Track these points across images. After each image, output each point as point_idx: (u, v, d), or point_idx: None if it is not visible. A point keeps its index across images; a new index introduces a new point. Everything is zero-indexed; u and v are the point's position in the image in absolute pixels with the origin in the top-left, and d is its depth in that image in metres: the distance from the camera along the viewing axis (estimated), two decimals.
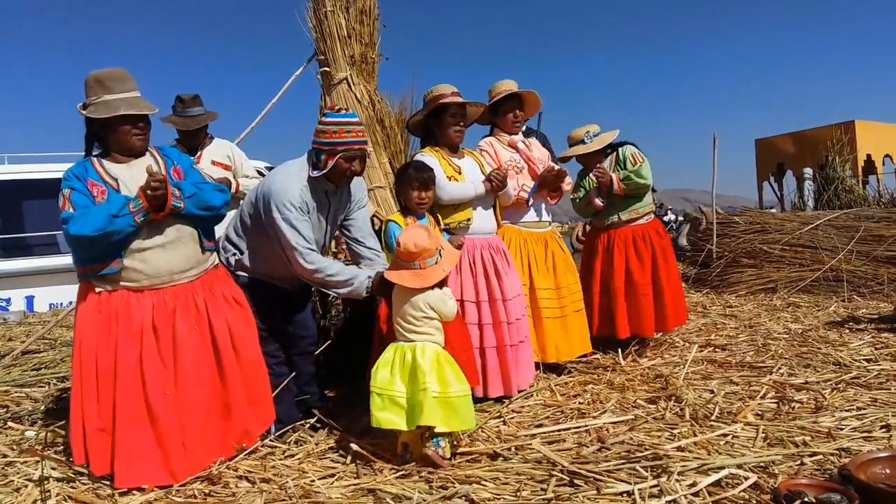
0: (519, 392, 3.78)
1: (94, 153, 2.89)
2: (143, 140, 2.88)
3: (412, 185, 3.43)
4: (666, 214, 21.20)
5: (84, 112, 2.79)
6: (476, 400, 3.57)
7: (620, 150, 4.78)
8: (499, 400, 3.70)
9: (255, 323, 3.08)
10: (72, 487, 2.68)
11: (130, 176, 2.80)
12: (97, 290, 2.76)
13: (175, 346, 2.78)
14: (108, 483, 2.70)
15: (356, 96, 5.26)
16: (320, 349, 3.68)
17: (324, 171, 3.06)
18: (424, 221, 3.47)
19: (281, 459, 2.95)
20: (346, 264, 3.63)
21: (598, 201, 4.67)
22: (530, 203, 4.22)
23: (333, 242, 4.27)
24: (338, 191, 3.24)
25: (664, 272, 4.72)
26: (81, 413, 2.72)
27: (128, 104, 2.77)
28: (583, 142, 4.72)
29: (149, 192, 2.67)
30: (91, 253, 2.71)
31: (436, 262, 2.90)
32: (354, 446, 2.96)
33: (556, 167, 4.26)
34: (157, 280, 2.79)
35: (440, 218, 3.67)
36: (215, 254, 3.07)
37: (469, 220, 3.79)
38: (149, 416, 2.69)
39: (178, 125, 4.61)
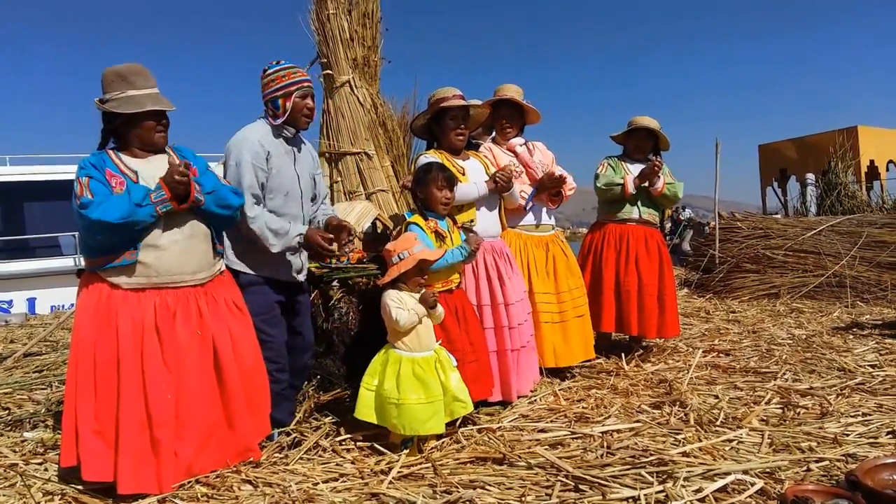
0: (519, 397, 3.76)
1: (109, 146, 2.84)
2: (165, 136, 2.88)
3: (437, 184, 3.37)
4: (684, 211, 21.07)
5: (105, 107, 2.74)
6: (478, 404, 3.56)
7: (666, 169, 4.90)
8: (503, 404, 3.68)
9: (255, 329, 3.04)
10: (74, 489, 2.67)
11: (148, 171, 2.77)
12: (106, 280, 2.70)
13: (177, 352, 2.73)
14: (98, 490, 2.64)
15: (358, 99, 5.26)
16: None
17: (286, 115, 3.18)
18: (444, 224, 3.44)
19: (284, 463, 2.93)
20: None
21: (631, 188, 4.67)
22: (528, 207, 4.21)
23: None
24: (297, 140, 3.33)
25: (668, 280, 4.78)
26: (75, 414, 2.65)
27: (153, 100, 2.76)
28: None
29: (175, 178, 2.65)
30: (108, 242, 2.66)
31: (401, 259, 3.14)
32: (357, 451, 2.94)
33: (557, 172, 4.24)
34: (167, 278, 2.74)
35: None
36: (223, 260, 3.03)
37: (472, 221, 3.76)
38: (147, 420, 2.64)
39: None
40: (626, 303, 4.66)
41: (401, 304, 3.06)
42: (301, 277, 3.34)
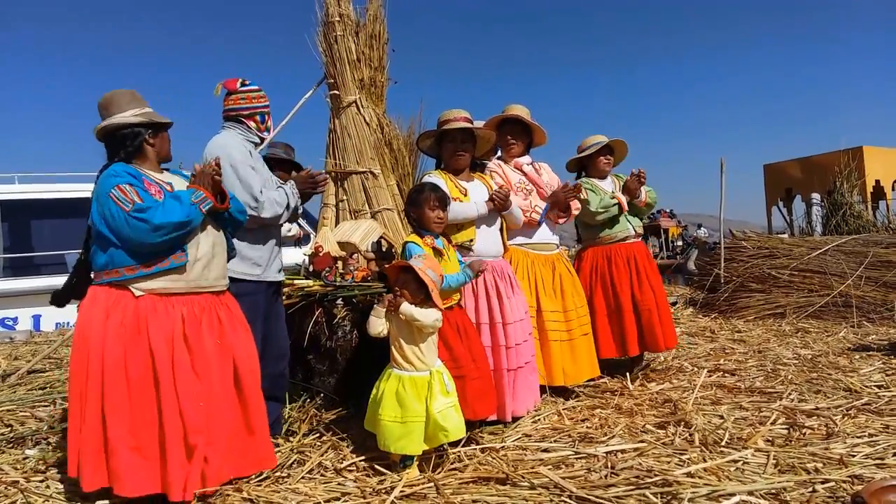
0: (514, 419, 3.71)
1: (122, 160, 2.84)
2: None
3: (430, 204, 3.38)
4: (699, 230, 21.35)
5: (137, 119, 2.82)
6: (481, 423, 3.54)
7: (623, 176, 4.97)
8: (506, 423, 3.66)
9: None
10: None
11: (177, 183, 2.89)
12: (128, 289, 2.69)
13: (205, 360, 2.74)
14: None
15: (365, 119, 5.30)
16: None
17: (268, 131, 3.51)
18: (439, 242, 3.44)
19: (286, 482, 2.92)
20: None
21: (625, 204, 4.75)
22: (540, 222, 4.23)
23: (341, 264, 4.28)
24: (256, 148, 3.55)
25: (663, 291, 4.87)
26: (103, 434, 2.57)
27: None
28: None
29: (214, 177, 2.78)
30: (162, 246, 2.66)
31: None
32: (359, 470, 2.92)
33: (570, 183, 4.30)
34: (195, 284, 2.79)
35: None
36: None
37: (472, 240, 3.76)
38: (183, 429, 2.63)
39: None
40: (647, 322, 4.65)
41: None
42: (281, 276, 3.53)
